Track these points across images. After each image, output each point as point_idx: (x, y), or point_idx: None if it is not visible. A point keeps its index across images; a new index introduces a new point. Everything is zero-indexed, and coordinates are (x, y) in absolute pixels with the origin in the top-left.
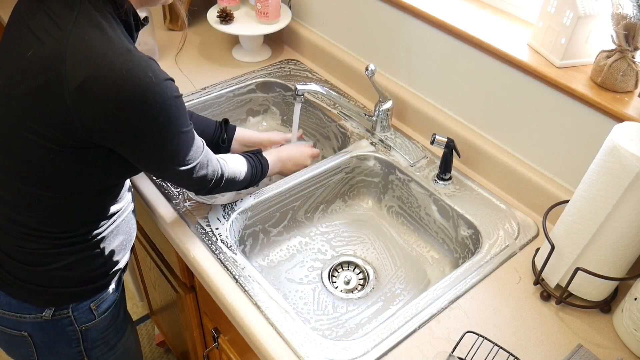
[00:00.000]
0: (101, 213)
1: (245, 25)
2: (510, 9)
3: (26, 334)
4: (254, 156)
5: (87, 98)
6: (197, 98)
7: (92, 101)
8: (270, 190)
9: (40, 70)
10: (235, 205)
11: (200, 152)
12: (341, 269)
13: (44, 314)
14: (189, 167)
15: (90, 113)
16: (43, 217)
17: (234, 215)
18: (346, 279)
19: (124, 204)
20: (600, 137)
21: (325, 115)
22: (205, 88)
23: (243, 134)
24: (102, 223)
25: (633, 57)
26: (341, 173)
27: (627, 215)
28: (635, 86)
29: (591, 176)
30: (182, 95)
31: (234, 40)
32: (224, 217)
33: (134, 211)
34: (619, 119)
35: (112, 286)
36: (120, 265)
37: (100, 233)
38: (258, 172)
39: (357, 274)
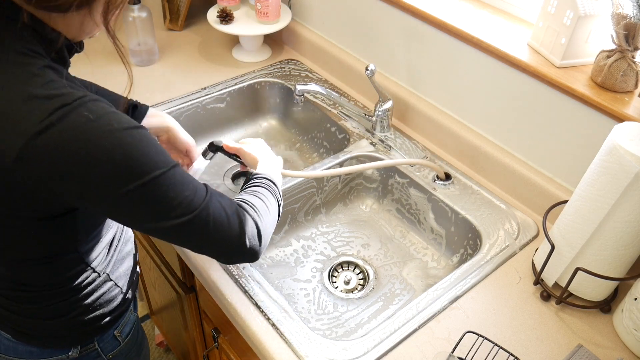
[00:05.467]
0: (98, 250)
1: (245, 25)
2: (510, 9)
3: None
4: (258, 179)
5: (29, 167)
6: (197, 98)
7: (36, 168)
8: None
9: None
10: None
11: (201, 197)
12: (341, 269)
13: (70, 353)
14: (184, 219)
15: (38, 181)
16: (46, 277)
17: None
18: (346, 279)
19: (117, 226)
20: (600, 137)
21: (325, 116)
22: (205, 88)
23: (156, 122)
24: (104, 257)
25: (633, 57)
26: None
27: (626, 216)
28: (635, 86)
29: (591, 176)
30: (140, 127)
31: (234, 40)
32: None
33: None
34: (619, 119)
35: (131, 307)
36: (133, 284)
37: (106, 268)
38: (276, 193)
39: (357, 274)
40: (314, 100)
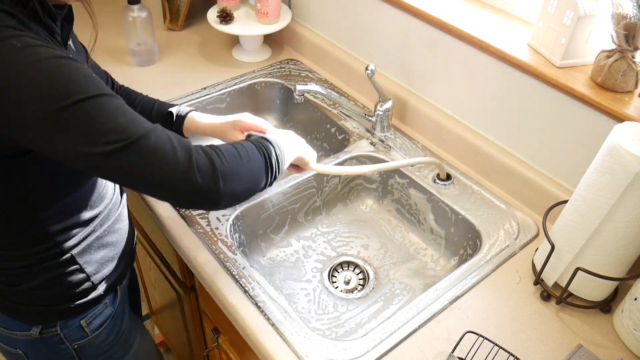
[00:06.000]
0: (67, 224)
1: (245, 25)
2: (510, 9)
3: (21, 352)
4: (251, 138)
5: None
6: (197, 98)
7: None
8: (268, 191)
9: None
10: (235, 206)
11: (140, 126)
12: (341, 269)
13: (31, 331)
14: (116, 145)
15: None
16: (3, 235)
17: (234, 216)
18: (346, 279)
19: (100, 210)
20: (600, 137)
21: (325, 116)
22: (205, 88)
23: (197, 122)
24: (73, 236)
25: (633, 57)
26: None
27: (626, 216)
28: (635, 86)
29: (591, 176)
30: (71, 58)
31: (234, 40)
32: (224, 217)
33: (121, 218)
34: (619, 119)
35: (106, 300)
36: (111, 278)
37: (73, 247)
38: (266, 147)
39: (357, 274)
40: (314, 100)
